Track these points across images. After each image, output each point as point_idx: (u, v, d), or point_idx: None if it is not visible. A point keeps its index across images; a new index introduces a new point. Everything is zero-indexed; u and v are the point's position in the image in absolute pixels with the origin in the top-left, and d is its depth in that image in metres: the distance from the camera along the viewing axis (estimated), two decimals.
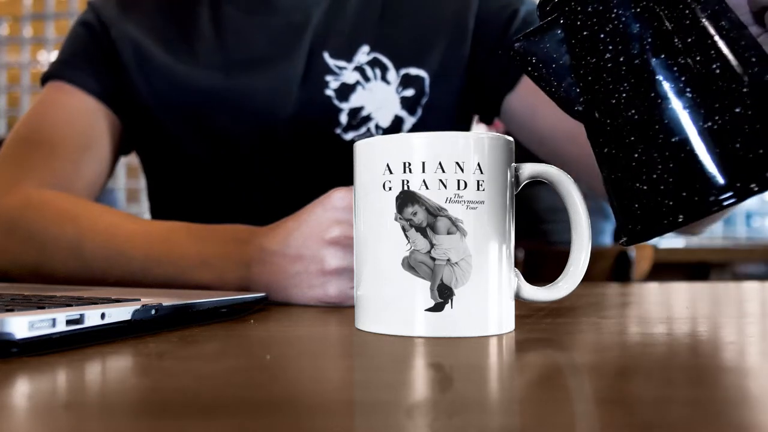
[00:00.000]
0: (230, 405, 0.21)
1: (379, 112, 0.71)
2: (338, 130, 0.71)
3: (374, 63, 0.71)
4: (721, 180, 0.29)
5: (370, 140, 0.37)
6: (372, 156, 0.36)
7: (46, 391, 0.24)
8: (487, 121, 0.79)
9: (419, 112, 0.72)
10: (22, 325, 0.27)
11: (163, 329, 0.36)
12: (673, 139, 0.30)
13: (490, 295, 0.35)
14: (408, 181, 0.34)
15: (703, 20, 0.31)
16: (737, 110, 0.30)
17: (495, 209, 0.35)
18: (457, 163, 0.34)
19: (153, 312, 0.35)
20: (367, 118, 0.71)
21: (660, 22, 0.31)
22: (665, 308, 0.51)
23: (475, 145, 0.35)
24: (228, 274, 0.51)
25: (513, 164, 0.36)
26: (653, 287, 0.69)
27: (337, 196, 0.47)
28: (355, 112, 0.70)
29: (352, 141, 0.70)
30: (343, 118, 0.71)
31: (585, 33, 0.34)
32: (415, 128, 0.72)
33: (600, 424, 0.20)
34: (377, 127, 0.71)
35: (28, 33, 2.90)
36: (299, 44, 0.71)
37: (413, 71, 0.72)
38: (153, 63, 0.72)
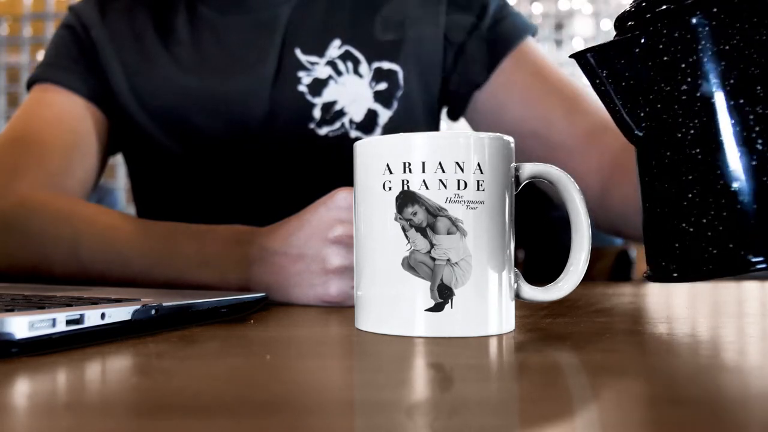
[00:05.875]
0: (230, 405, 0.21)
1: (352, 106, 0.71)
2: (312, 125, 0.71)
3: (346, 56, 0.72)
4: None
5: (370, 140, 0.37)
6: (372, 156, 0.36)
7: (46, 391, 0.24)
8: (454, 116, 0.78)
9: (395, 105, 0.72)
10: (22, 325, 0.27)
11: (163, 329, 0.36)
12: (733, 188, 0.29)
13: (490, 295, 0.35)
14: (408, 181, 0.34)
15: None
16: None
17: (495, 209, 0.35)
18: (457, 163, 0.34)
19: (153, 312, 0.35)
20: (341, 113, 0.71)
21: (747, 65, 0.29)
22: (665, 308, 0.51)
23: (475, 145, 0.35)
24: (228, 274, 0.51)
25: (513, 164, 0.36)
26: (653, 287, 0.69)
27: (340, 196, 0.47)
28: (328, 107, 0.71)
29: (326, 136, 0.71)
30: (317, 113, 0.71)
31: (665, 58, 0.31)
32: (391, 121, 0.72)
33: (600, 424, 0.20)
34: (351, 122, 0.71)
35: (28, 33, 2.89)
36: (271, 42, 0.72)
37: (386, 65, 0.72)
38: (130, 64, 0.73)
